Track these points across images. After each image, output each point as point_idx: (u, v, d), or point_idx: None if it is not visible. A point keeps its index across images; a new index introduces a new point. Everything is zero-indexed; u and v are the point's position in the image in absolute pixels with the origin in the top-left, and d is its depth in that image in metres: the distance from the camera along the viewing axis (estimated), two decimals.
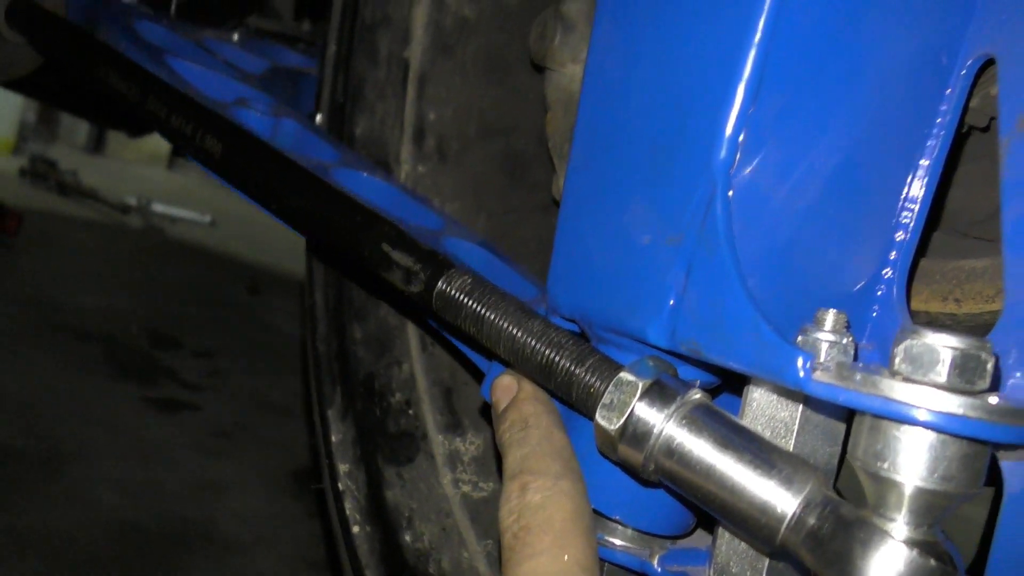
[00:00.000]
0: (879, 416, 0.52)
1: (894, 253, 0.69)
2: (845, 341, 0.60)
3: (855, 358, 0.60)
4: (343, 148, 1.06)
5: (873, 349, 0.70)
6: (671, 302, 0.63)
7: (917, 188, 0.68)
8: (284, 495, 2.49)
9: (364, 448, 1.06)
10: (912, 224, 0.69)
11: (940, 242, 0.84)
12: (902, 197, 0.68)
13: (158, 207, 6.40)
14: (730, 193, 0.61)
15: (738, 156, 0.60)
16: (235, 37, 1.48)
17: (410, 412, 1.10)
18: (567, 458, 0.64)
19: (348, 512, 1.04)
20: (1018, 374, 0.61)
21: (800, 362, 0.55)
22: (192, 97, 0.90)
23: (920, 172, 0.68)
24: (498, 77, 1.28)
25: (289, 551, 2.22)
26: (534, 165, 1.28)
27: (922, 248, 0.81)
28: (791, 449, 0.61)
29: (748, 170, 0.61)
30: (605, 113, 0.71)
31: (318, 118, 1.21)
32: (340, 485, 1.06)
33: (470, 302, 0.71)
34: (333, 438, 1.08)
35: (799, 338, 0.60)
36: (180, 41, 1.20)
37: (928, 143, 0.67)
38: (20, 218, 4.45)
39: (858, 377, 0.52)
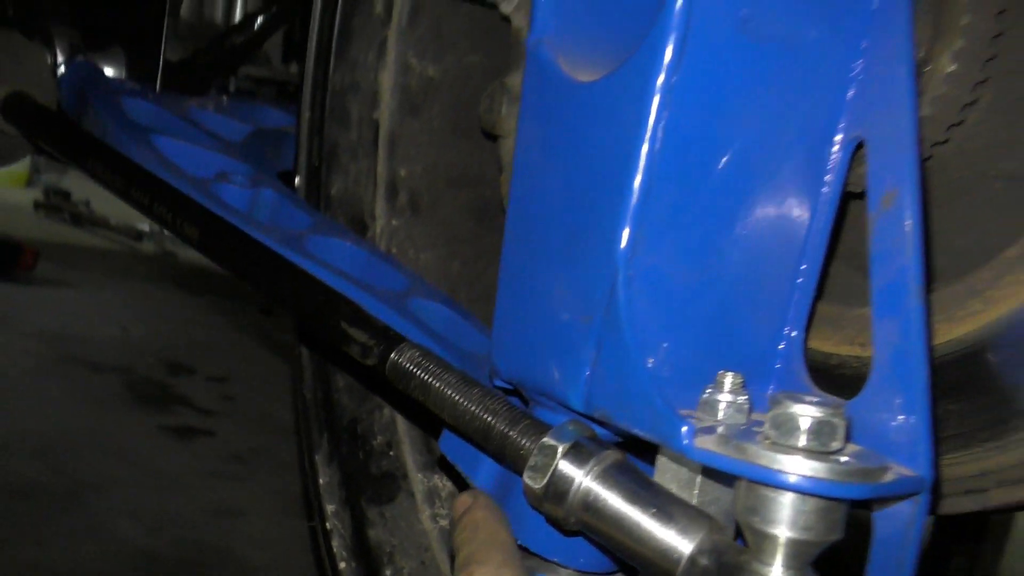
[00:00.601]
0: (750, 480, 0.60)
1: (791, 312, 0.77)
2: (740, 400, 0.68)
3: (749, 414, 0.69)
4: (316, 214, 1.16)
5: None
6: (587, 373, 0.71)
7: (809, 254, 0.77)
8: (298, 518, 2.59)
9: (349, 490, 1.16)
10: (806, 284, 0.77)
11: (852, 287, 0.92)
12: (795, 263, 0.77)
13: None
14: (630, 275, 0.69)
15: (635, 246, 0.69)
16: (224, 99, 1.57)
17: (391, 454, 1.19)
18: (509, 551, 0.73)
19: (336, 550, 1.14)
20: (900, 417, 0.70)
21: (684, 431, 0.63)
22: (171, 185, 1.00)
23: (811, 240, 0.76)
24: (464, 131, 1.37)
25: (304, 574, 2.32)
26: (502, 212, 1.37)
27: (832, 295, 0.90)
28: (696, 498, 0.70)
29: (648, 256, 0.70)
30: (531, 197, 0.79)
31: (296, 180, 1.30)
32: (328, 524, 1.15)
33: (419, 372, 0.80)
34: (321, 481, 1.18)
35: (702, 396, 0.69)
36: (165, 116, 1.29)
37: (815, 216, 0.76)
38: (36, 253, 4.57)
39: (733, 444, 0.61)
